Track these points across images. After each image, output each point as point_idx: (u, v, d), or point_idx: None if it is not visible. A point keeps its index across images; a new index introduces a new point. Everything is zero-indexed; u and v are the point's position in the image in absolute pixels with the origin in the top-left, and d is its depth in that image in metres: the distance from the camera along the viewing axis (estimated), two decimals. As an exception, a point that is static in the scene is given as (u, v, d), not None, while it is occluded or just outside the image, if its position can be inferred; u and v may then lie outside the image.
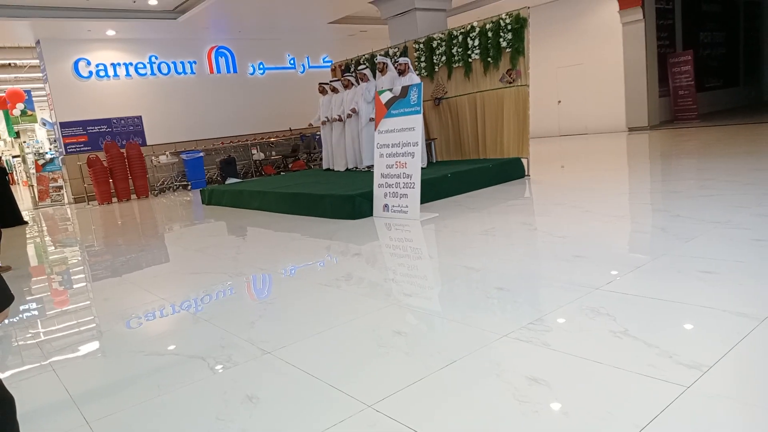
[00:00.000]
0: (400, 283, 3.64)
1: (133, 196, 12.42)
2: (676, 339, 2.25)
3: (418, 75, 8.98)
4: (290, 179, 9.23)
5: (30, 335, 3.46)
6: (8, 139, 24.21)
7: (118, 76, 13.09)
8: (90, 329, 3.51)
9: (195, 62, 14.18)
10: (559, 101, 15.19)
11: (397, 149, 5.90)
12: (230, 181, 11.23)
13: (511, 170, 7.65)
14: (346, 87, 9.02)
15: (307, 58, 16.00)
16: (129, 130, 13.09)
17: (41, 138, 23.15)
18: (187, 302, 3.73)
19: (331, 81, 9.51)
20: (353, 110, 8.67)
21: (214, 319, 3.30)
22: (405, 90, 5.91)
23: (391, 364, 2.37)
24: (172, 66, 13.85)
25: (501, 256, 3.91)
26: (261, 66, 15.19)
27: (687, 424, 1.68)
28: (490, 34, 7.88)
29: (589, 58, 14.27)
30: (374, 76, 8.69)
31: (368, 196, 6.13)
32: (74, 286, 4.92)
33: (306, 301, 3.45)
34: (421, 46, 8.99)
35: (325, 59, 16.01)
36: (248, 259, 4.91)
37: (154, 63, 13.58)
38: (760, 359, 2.02)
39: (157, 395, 2.34)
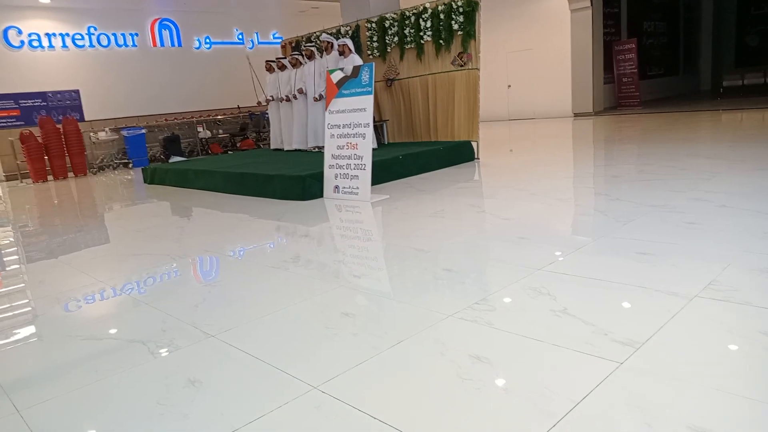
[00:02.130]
0: (349, 264, 3.63)
1: (71, 174, 11.84)
2: (611, 317, 2.34)
3: (370, 55, 8.92)
4: (238, 158, 9.02)
5: (-45, 320, 3.26)
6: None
7: (54, 47, 12.37)
8: (23, 313, 3.34)
9: (137, 34, 13.56)
10: (509, 86, 15.44)
11: (348, 130, 5.84)
12: (174, 159, 10.87)
13: (461, 153, 7.74)
14: (293, 65, 8.83)
15: (257, 33, 15.58)
16: (66, 105, 12.43)
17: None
18: (127, 285, 3.60)
19: (278, 58, 9.30)
20: (300, 90, 8.52)
21: (156, 302, 3.20)
22: (357, 70, 5.84)
23: (339, 346, 2.36)
24: (112, 38, 13.20)
25: (449, 237, 3.96)
26: (207, 40, 14.68)
27: (619, 399, 1.75)
28: (442, 16, 7.88)
29: (538, 44, 14.52)
30: (320, 55, 8.54)
31: (318, 177, 6.06)
32: (6, 268, 4.66)
33: (253, 284, 3.39)
34: (374, 25, 8.90)
35: (275, 35, 15.62)
36: (193, 241, 4.78)
37: (93, 34, 12.91)
38: (688, 336, 2.13)
39: (95, 380, 2.26)
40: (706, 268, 2.79)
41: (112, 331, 2.84)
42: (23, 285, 4.03)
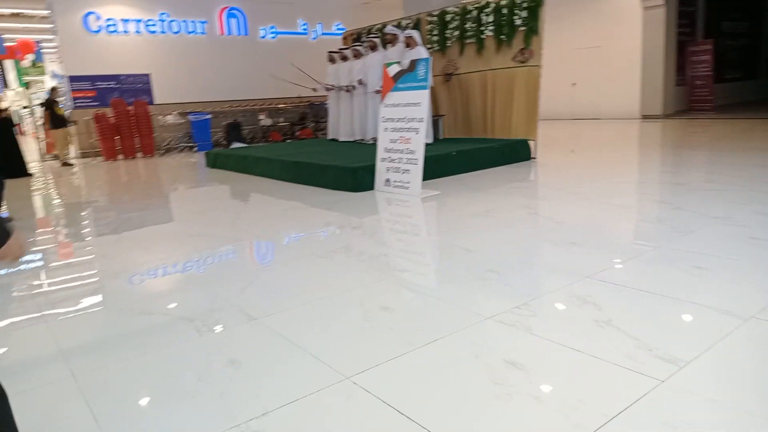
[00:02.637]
0: (394, 259, 3.65)
1: (139, 155, 12.42)
2: (657, 332, 2.26)
3: (429, 49, 8.85)
4: (295, 147, 9.20)
5: (26, 287, 3.50)
6: (19, 89, 24.16)
7: (128, 32, 12.95)
8: (85, 285, 3.55)
9: (206, 22, 14.00)
10: (574, 84, 14.96)
11: (401, 124, 5.85)
12: (235, 145, 11.20)
13: (517, 152, 7.59)
14: (355, 56, 8.89)
15: (320, 24, 15.77)
16: (137, 88, 13.01)
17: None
18: (182, 264, 3.77)
19: (340, 49, 9.38)
20: (360, 81, 8.58)
21: (207, 282, 3.33)
22: (413, 64, 5.83)
23: (374, 339, 2.39)
24: (182, 25, 13.68)
25: (497, 238, 3.91)
26: (272, 30, 14.99)
27: (655, 418, 1.69)
28: (504, 11, 7.73)
29: (607, 42, 13.98)
30: (384, 47, 8.55)
31: (371, 170, 6.11)
32: (73, 241, 4.96)
33: (298, 271, 3.47)
34: (435, 19, 8.83)
35: (338, 26, 15.77)
36: (246, 225, 4.93)
37: (165, 21, 13.42)
38: (738, 358, 2.03)
39: (143, 353, 2.38)
40: (766, 287, 2.63)
41: (164, 307, 2.98)
42: (87, 258, 4.28)
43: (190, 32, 13.83)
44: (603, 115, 14.36)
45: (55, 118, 10.95)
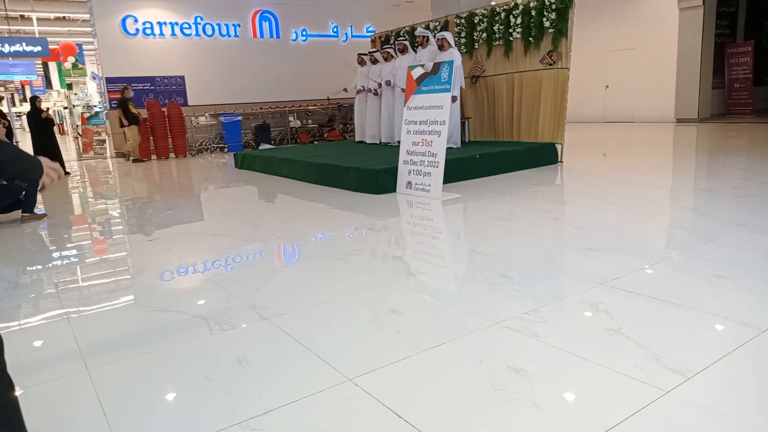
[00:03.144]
0: (408, 261, 3.66)
1: (172, 155, 12.73)
2: (668, 342, 2.21)
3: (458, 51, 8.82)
4: (321, 149, 9.29)
5: (49, 282, 3.64)
6: (61, 90, 25.04)
7: (164, 35, 13.29)
8: (106, 282, 3.66)
9: (239, 25, 14.26)
10: (607, 86, 14.69)
11: (424, 127, 5.85)
12: (263, 146, 11.37)
13: (543, 155, 7.50)
14: (386, 59, 8.92)
15: (351, 27, 15.88)
16: (171, 90, 13.34)
17: (91, 91, 23.83)
18: (202, 263, 3.85)
19: (370, 52, 9.43)
20: (387, 82, 8.60)
21: (224, 281, 3.40)
22: (437, 67, 5.82)
23: (381, 341, 2.41)
24: (216, 28, 13.96)
25: (514, 242, 3.88)
26: (304, 32, 15.16)
27: (656, 429, 1.66)
28: (533, 12, 7.65)
29: (641, 44, 13.68)
30: (414, 50, 8.56)
31: (393, 172, 6.13)
32: (100, 239, 5.13)
33: (313, 272, 3.51)
34: (463, 21, 8.80)
35: (369, 29, 15.85)
36: (268, 226, 5.01)
37: (199, 24, 13.73)
38: (749, 370, 1.97)
39: (156, 350, 2.45)
40: (788, 299, 2.55)
41: (180, 305, 3.06)
42: (112, 255, 4.42)
43: (223, 35, 14.10)
44: (636, 119, 14.05)
45: (128, 116, 11.41)
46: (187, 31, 13.56)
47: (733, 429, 1.64)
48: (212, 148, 13.49)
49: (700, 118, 12.86)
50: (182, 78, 13.53)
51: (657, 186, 5.80)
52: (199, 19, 13.69)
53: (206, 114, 13.42)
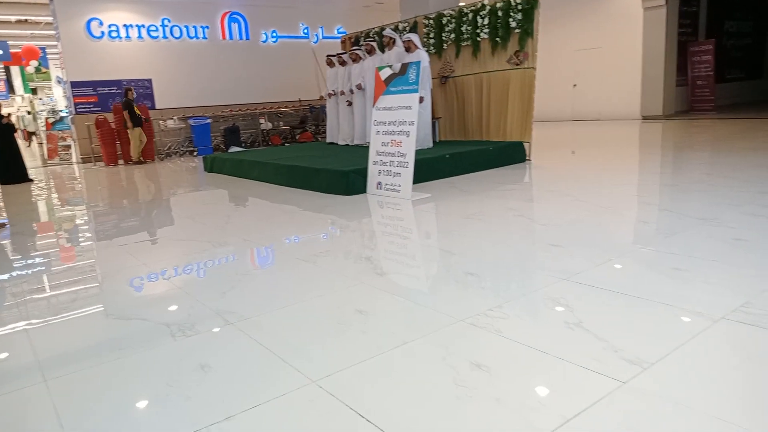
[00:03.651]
0: (375, 262, 3.66)
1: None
2: (626, 334, 2.25)
3: (426, 52, 8.86)
4: (292, 151, 9.24)
5: (8, 292, 3.54)
6: (25, 95, 24.39)
7: (130, 37, 13.07)
8: (68, 291, 3.58)
9: (207, 27, 14.10)
10: (575, 85, 14.93)
11: (393, 127, 5.86)
12: (233, 149, 11.26)
13: (511, 154, 7.58)
14: (354, 61, 8.92)
15: (321, 28, 15.83)
16: (139, 93, 13.10)
17: (57, 96, 23.27)
18: (165, 269, 3.79)
19: (338, 53, 9.42)
20: (358, 86, 8.60)
21: (188, 287, 3.36)
22: (404, 67, 5.84)
23: (346, 342, 2.40)
24: (184, 30, 13.78)
25: (481, 240, 3.91)
26: (274, 34, 15.07)
27: (613, 420, 1.69)
28: (500, 13, 7.73)
29: (607, 43, 13.95)
30: (382, 51, 8.58)
31: (363, 173, 6.12)
32: (62, 246, 5.01)
33: (281, 275, 3.49)
34: (431, 22, 8.86)
35: (340, 30, 15.82)
36: (235, 229, 4.96)
37: (167, 26, 13.53)
38: (703, 359, 2.02)
39: (116, 358, 2.40)
40: (741, 288, 2.62)
41: (143, 312, 3.00)
42: (74, 263, 4.32)
43: (191, 37, 13.93)
44: (604, 116, 14.32)
45: (133, 118, 11.48)
46: (154, 34, 13.35)
47: (688, 417, 1.68)
48: (181, 152, 13.30)
49: (665, 114, 13.17)
50: (149, 81, 13.32)
51: (623, 182, 5.92)
52: (166, 21, 13.49)
53: (174, 117, 13.23)
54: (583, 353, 2.12)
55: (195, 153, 13.12)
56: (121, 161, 12.24)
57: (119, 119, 11.85)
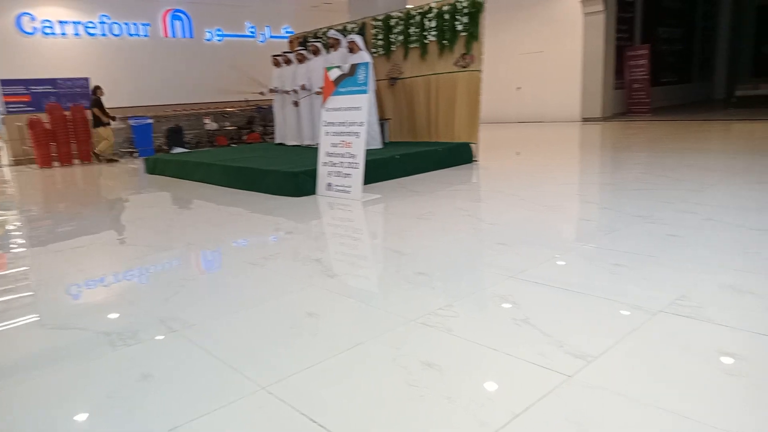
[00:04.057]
0: (325, 264, 3.63)
1: (76, 161, 11.96)
2: (571, 329, 2.32)
3: (374, 53, 8.89)
4: (239, 152, 9.05)
5: (-66, 304, 3.30)
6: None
7: (66, 34, 12.47)
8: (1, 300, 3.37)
9: (149, 25, 13.63)
10: (519, 88, 15.33)
11: (342, 128, 5.84)
12: (176, 150, 10.94)
13: (459, 155, 7.70)
14: (300, 61, 8.84)
15: (268, 27, 15.61)
16: (75, 92, 12.51)
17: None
18: (106, 274, 3.63)
19: (284, 53, 9.31)
20: (302, 86, 8.54)
21: (129, 293, 3.23)
22: (353, 68, 5.83)
23: (296, 347, 2.36)
24: (124, 27, 13.28)
25: (431, 240, 3.94)
26: (219, 32, 14.74)
27: (559, 413, 1.74)
28: (446, 16, 7.84)
29: (550, 47, 14.39)
30: (327, 51, 8.54)
31: (312, 174, 6.07)
32: (-5, 254, 4.72)
33: (228, 279, 3.41)
34: (379, 23, 8.88)
35: (287, 29, 15.64)
36: (179, 233, 4.81)
37: (105, 23, 12.99)
38: (643, 352, 2.10)
39: (52, 371, 2.28)
40: (677, 282, 2.75)
41: (81, 321, 2.86)
42: (8, 271, 4.07)
43: (132, 35, 13.44)
44: (546, 118, 14.76)
45: (105, 115, 11.45)
46: (91, 31, 12.80)
47: (630, 408, 1.75)
48: (121, 153, 12.79)
49: (604, 117, 13.71)
50: (86, 80, 12.72)
51: (565, 182, 6.11)
52: (104, 18, 12.96)
53: (114, 117, 12.69)
54: (531, 349, 2.16)
55: (136, 154, 12.64)
56: (56, 163, 11.65)
57: (54, 119, 11.28)
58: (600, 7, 13.28)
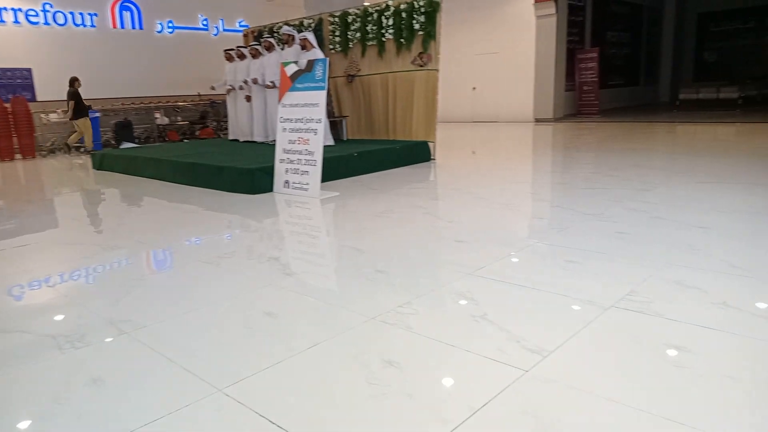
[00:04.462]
0: (283, 262, 3.58)
1: (18, 156, 11.38)
2: (527, 324, 2.37)
3: (332, 50, 8.84)
4: (192, 147, 8.82)
5: None
6: None
7: (5, 22, 11.83)
8: (-67, 302, 3.17)
9: (96, 15, 13.09)
10: (474, 88, 15.55)
11: (300, 125, 5.77)
12: (125, 145, 10.56)
13: (417, 153, 7.74)
14: (254, 56, 8.69)
15: (222, 20, 15.26)
16: (16, 84, 11.91)
17: None
18: (51, 275, 3.47)
19: (237, 47, 9.13)
20: (254, 80, 8.41)
21: (77, 295, 3.09)
22: (310, 64, 5.77)
23: (254, 347, 2.32)
24: (69, 16, 12.70)
25: (390, 238, 3.95)
26: (170, 24, 14.30)
27: (517, 407, 1.77)
28: (404, 15, 7.87)
29: (504, 48, 14.66)
30: (281, 47, 8.43)
31: (269, 171, 5.98)
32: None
33: (182, 279, 3.31)
34: (337, 20, 8.83)
35: (241, 23, 15.34)
36: (129, 231, 4.64)
37: (49, 11, 12.39)
38: (596, 346, 2.17)
39: (-8, 377, 2.16)
40: (626, 278, 2.85)
41: (24, 324, 2.72)
42: (-58, 271, 3.84)
43: (78, 24, 12.87)
44: (501, 118, 15.04)
45: (81, 108, 11.14)
46: (33, 19, 12.18)
47: (586, 401, 1.80)
48: (66, 148, 12.25)
49: (555, 117, 14.09)
50: (29, 71, 12.14)
51: (519, 181, 6.24)
52: (47, 6, 12.36)
53: (58, 110, 12.15)
54: (489, 344, 2.20)
55: (82, 149, 12.14)
56: (-6, 158, 11.05)
57: (23, 111, 10.80)
58: (552, 10, 13.61)
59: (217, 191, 6.13)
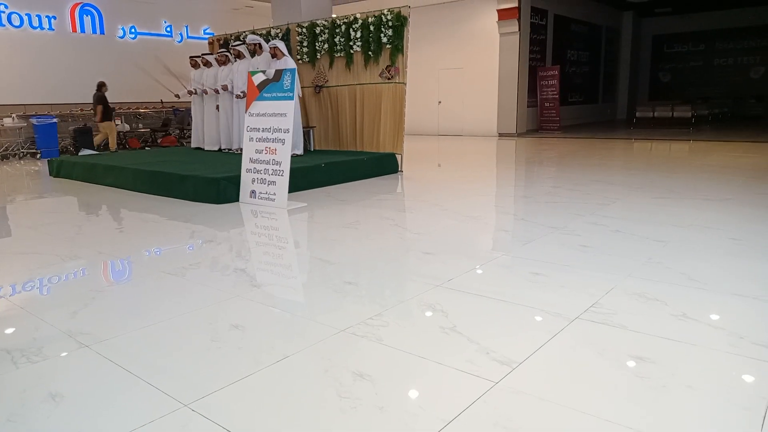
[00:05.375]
0: (250, 273, 3.53)
1: (-32, 161, 10.91)
2: (496, 336, 2.40)
3: (299, 60, 8.82)
4: (154, 155, 8.63)
5: None
6: None
7: (-44, 22, 11.37)
8: None
9: (55, 17, 12.71)
10: (440, 102, 15.76)
11: (267, 134, 5.72)
12: (84, 152, 10.25)
13: (385, 165, 7.78)
14: (223, 63, 8.59)
15: (186, 27, 15.04)
16: (-33, 86, 11.43)
17: None
18: (3, 286, 3.32)
19: (203, 54, 9.02)
20: (224, 87, 8.32)
21: (33, 306, 2.97)
22: (279, 74, 5.74)
23: (221, 360, 2.27)
24: (26, 18, 12.29)
25: (358, 249, 3.94)
26: (132, 30, 14.01)
27: (488, 419, 1.78)
28: (372, 28, 7.93)
29: (469, 64, 14.93)
30: (252, 56, 8.36)
31: (235, 180, 5.90)
32: None
33: (143, 290, 3.22)
34: (304, 30, 8.82)
35: (206, 30, 15.16)
36: (88, 241, 4.49)
37: (4, 12, 11.96)
38: (562, 357, 2.21)
39: (-60, 394, 2.04)
40: (590, 290, 2.92)
41: (-25, 337, 2.59)
42: None
43: (35, 27, 12.46)
44: (465, 132, 15.27)
45: (107, 112, 11.26)
46: (-13, 20, 11.75)
47: (553, 411, 1.82)
48: (21, 154, 11.82)
49: (518, 132, 14.39)
50: (-18, 73, 11.67)
51: (484, 194, 6.34)
52: (2, 7, 11.93)
53: (13, 115, 11.71)
54: (459, 356, 2.21)
55: (38, 155, 11.72)
56: (-58, 163, 10.55)
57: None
58: (515, 28, 13.96)
59: (180, 200, 6.01)
